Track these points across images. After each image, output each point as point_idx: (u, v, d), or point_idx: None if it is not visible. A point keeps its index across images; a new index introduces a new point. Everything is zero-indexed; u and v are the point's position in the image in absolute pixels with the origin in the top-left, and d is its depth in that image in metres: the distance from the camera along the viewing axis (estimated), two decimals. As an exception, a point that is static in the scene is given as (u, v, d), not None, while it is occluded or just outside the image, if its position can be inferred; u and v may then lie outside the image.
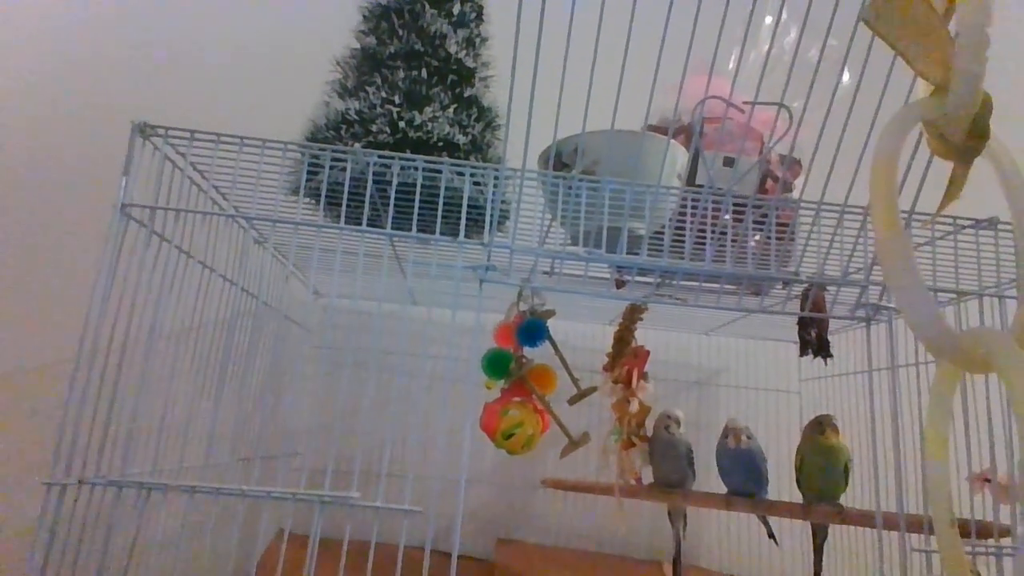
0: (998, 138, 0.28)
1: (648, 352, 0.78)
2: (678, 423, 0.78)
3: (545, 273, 0.60)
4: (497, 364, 0.66)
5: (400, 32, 0.60)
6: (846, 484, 0.72)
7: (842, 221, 0.51)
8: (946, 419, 0.28)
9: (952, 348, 0.23)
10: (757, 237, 0.60)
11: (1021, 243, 0.28)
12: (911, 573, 0.49)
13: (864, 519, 0.67)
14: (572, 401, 0.68)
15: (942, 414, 0.28)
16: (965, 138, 0.26)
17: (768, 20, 0.63)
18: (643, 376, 0.78)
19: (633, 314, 0.80)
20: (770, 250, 0.54)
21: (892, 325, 0.53)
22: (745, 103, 0.45)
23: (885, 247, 0.23)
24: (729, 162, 0.64)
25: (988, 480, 0.60)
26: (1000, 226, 0.55)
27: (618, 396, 0.78)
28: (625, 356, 0.79)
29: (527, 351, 0.67)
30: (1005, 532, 0.57)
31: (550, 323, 0.67)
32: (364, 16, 0.64)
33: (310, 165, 0.54)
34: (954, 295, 0.56)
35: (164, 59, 1.02)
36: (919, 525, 0.55)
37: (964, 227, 0.55)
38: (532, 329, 0.67)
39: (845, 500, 0.72)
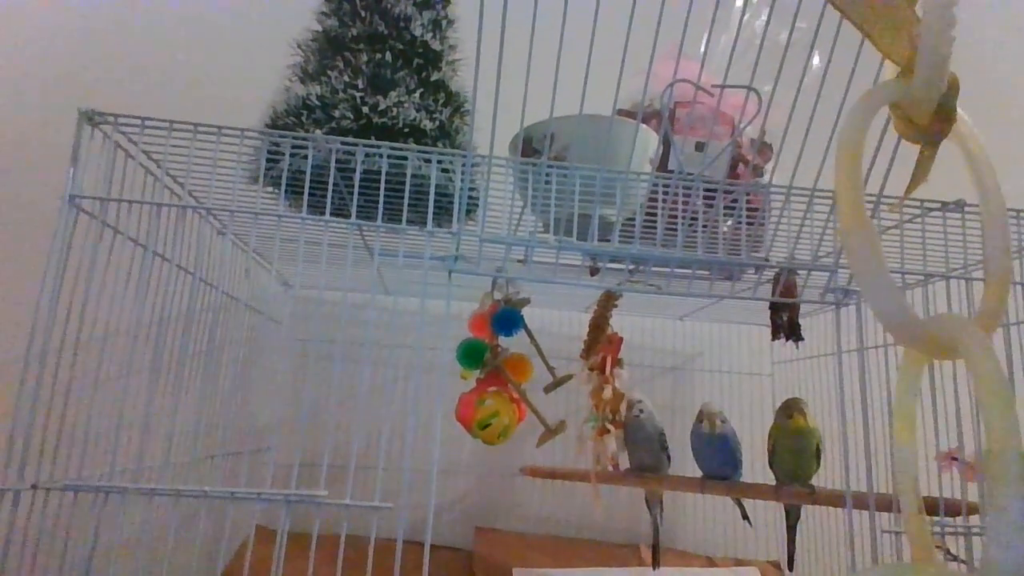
0: (965, 120, 0.27)
1: (621, 339, 0.77)
2: (645, 405, 0.78)
3: (519, 261, 0.59)
4: (472, 354, 0.65)
5: (363, 14, 0.58)
6: (818, 465, 0.73)
7: (812, 205, 0.51)
8: (914, 405, 0.28)
9: (918, 336, 0.23)
10: (729, 223, 0.59)
11: (988, 227, 0.28)
12: (881, 554, 0.50)
13: (836, 499, 0.68)
14: (548, 389, 0.68)
15: (910, 400, 0.27)
16: (931, 121, 0.25)
17: (739, 2, 0.62)
18: (617, 363, 0.78)
19: (608, 301, 0.80)
20: (741, 235, 0.54)
21: (861, 308, 0.53)
22: (714, 87, 0.44)
23: (850, 237, 0.23)
24: (700, 147, 0.63)
25: (956, 459, 0.61)
26: (967, 209, 0.56)
27: (594, 383, 0.78)
28: (600, 343, 0.79)
29: (502, 340, 0.66)
30: (973, 510, 0.58)
31: (525, 311, 0.66)
32: (326, -3, 0.61)
33: (270, 153, 0.52)
34: (922, 277, 0.56)
35: (115, 41, 0.98)
36: (889, 505, 0.55)
37: (932, 210, 0.56)
38: (507, 318, 0.66)
39: (818, 481, 0.73)
